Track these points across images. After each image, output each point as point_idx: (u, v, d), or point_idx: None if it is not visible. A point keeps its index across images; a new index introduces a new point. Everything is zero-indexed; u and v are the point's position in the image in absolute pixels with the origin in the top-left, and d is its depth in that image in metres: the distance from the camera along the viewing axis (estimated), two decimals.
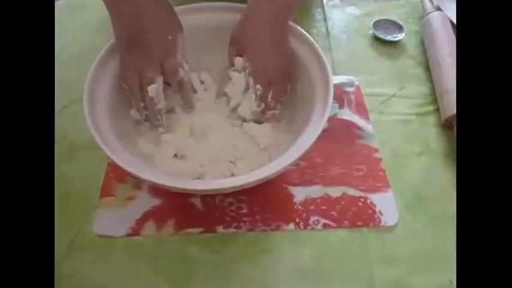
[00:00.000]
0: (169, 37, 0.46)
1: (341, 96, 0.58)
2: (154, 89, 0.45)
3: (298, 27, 0.50)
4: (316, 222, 0.46)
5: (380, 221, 0.46)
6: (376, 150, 0.52)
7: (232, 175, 0.45)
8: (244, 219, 0.46)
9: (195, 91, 0.51)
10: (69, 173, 0.49)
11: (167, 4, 0.47)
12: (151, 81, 0.45)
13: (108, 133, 0.42)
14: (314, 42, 0.48)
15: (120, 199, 0.47)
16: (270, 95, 0.47)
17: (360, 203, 0.47)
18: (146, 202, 0.47)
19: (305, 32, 0.49)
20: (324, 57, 0.46)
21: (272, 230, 0.45)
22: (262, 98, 0.47)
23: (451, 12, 0.66)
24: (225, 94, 0.51)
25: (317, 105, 0.44)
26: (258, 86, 0.47)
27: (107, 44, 0.47)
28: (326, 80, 0.45)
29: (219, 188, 0.40)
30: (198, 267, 0.43)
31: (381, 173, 0.50)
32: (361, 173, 0.50)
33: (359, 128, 0.55)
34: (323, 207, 0.47)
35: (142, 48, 0.45)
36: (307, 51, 0.49)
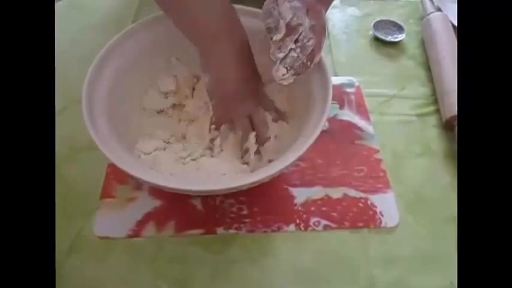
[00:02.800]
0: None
1: (341, 97, 0.58)
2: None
3: None
4: (316, 224, 0.46)
5: (381, 222, 0.46)
6: (377, 151, 0.52)
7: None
8: (245, 220, 0.46)
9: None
10: (69, 174, 0.49)
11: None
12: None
13: (108, 134, 0.42)
14: None
15: (120, 200, 0.47)
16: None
17: (361, 204, 0.47)
18: (146, 203, 0.46)
19: None
20: (324, 58, 0.46)
21: (273, 231, 0.45)
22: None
23: (451, 12, 0.66)
24: None
25: (316, 106, 0.44)
26: None
27: (106, 45, 0.47)
28: (325, 81, 0.45)
29: (218, 189, 0.39)
30: (199, 269, 0.42)
31: (381, 174, 0.50)
32: (361, 174, 0.50)
33: (359, 128, 0.55)
34: (323, 209, 0.47)
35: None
36: None
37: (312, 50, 0.42)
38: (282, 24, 0.41)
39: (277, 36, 0.41)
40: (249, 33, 0.50)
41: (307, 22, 0.41)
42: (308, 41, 0.41)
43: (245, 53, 0.45)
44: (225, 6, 0.44)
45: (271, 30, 0.42)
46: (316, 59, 0.43)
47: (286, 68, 0.42)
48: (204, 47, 0.45)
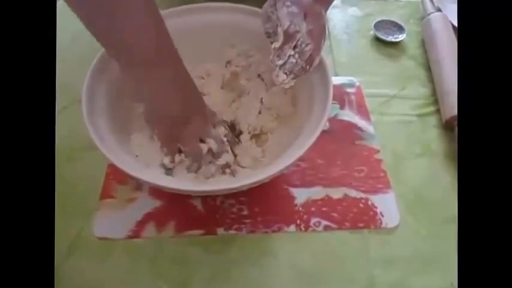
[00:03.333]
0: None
1: (342, 97, 0.58)
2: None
3: None
4: (317, 224, 0.46)
5: (381, 222, 0.46)
6: (377, 151, 0.52)
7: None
8: (245, 221, 0.45)
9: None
10: (69, 174, 0.49)
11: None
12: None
13: (108, 134, 0.42)
14: None
15: (120, 201, 0.46)
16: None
17: (361, 205, 0.47)
18: (146, 204, 0.46)
19: None
20: (324, 58, 0.46)
21: (273, 231, 0.45)
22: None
23: (451, 13, 0.66)
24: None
25: (316, 106, 0.44)
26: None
27: None
28: (326, 81, 0.45)
29: (218, 189, 0.39)
30: (199, 270, 0.42)
31: (381, 174, 0.50)
32: (362, 174, 0.50)
33: (360, 129, 0.55)
34: (324, 209, 0.47)
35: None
36: None
37: (311, 55, 0.42)
38: (280, 31, 0.41)
39: (275, 44, 0.42)
40: (250, 33, 0.50)
41: (304, 27, 0.42)
42: (306, 46, 0.42)
43: (180, 75, 0.42)
44: (159, 28, 0.40)
45: (270, 35, 0.43)
46: (315, 63, 0.43)
47: (286, 73, 0.42)
48: (135, 73, 0.41)
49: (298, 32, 0.41)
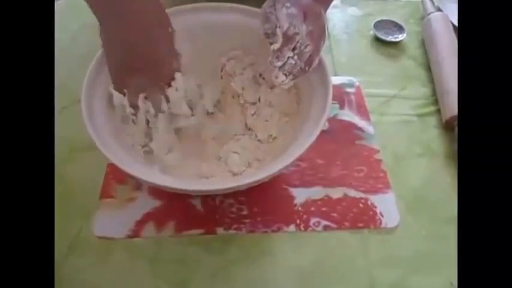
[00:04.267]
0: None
1: (341, 97, 0.58)
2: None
3: None
4: (316, 224, 0.46)
5: (381, 222, 0.46)
6: (377, 151, 0.52)
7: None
8: (245, 220, 0.45)
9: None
10: (69, 174, 0.49)
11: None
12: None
13: (107, 134, 0.42)
14: None
15: (120, 200, 0.46)
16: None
17: (361, 205, 0.47)
18: (146, 203, 0.46)
19: None
20: (324, 58, 0.46)
21: (273, 231, 0.45)
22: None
23: (451, 12, 0.66)
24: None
25: (316, 106, 0.44)
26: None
27: None
28: (325, 81, 0.45)
29: (217, 188, 0.39)
30: (198, 269, 0.42)
31: (381, 174, 0.50)
32: (361, 174, 0.50)
33: (360, 129, 0.55)
34: (323, 209, 0.47)
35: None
36: None
37: (310, 56, 0.43)
38: (279, 33, 0.41)
39: (275, 46, 0.42)
40: (249, 33, 0.50)
41: (303, 29, 0.42)
42: (305, 47, 0.42)
43: (149, 16, 0.41)
44: None
45: (268, 36, 0.43)
46: (314, 63, 0.44)
47: (285, 74, 0.42)
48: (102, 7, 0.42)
49: (297, 34, 0.41)
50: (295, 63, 0.42)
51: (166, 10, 0.49)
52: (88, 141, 0.39)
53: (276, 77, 0.42)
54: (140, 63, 0.42)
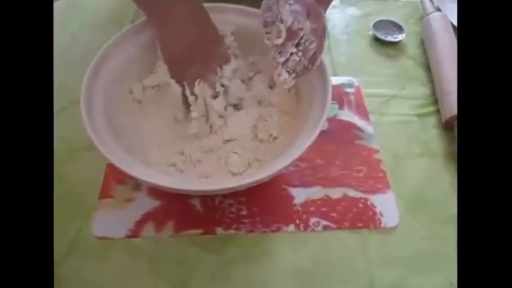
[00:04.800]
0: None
1: (341, 97, 0.58)
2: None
3: None
4: (316, 224, 0.46)
5: (380, 222, 0.46)
6: (376, 151, 0.52)
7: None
8: (244, 220, 0.45)
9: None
10: (68, 174, 0.49)
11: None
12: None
13: (106, 134, 0.42)
14: None
15: (119, 200, 0.46)
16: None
17: (360, 205, 0.47)
18: (145, 203, 0.46)
19: None
20: (323, 58, 0.46)
21: (272, 231, 0.45)
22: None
23: (451, 12, 0.66)
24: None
25: (315, 106, 0.44)
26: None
27: (105, 45, 0.47)
28: (324, 81, 0.45)
29: (217, 188, 0.39)
30: (198, 269, 0.42)
31: (381, 174, 0.50)
32: (361, 174, 0.50)
33: (359, 129, 0.54)
34: (323, 209, 0.47)
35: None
36: None
37: (314, 53, 0.42)
38: (283, 28, 0.41)
39: (278, 41, 0.42)
40: (249, 33, 0.50)
41: (308, 25, 0.41)
42: (310, 44, 0.42)
43: (195, 17, 0.46)
44: None
45: (267, 24, 0.43)
46: (318, 61, 0.43)
47: (288, 71, 0.42)
48: (156, 16, 0.46)
49: (301, 29, 0.41)
50: (300, 60, 0.42)
51: None
52: (87, 141, 0.39)
53: (279, 75, 0.42)
54: (195, 56, 0.47)
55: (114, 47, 0.47)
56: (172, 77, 0.48)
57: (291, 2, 0.41)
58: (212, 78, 0.47)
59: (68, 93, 0.52)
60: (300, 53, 0.42)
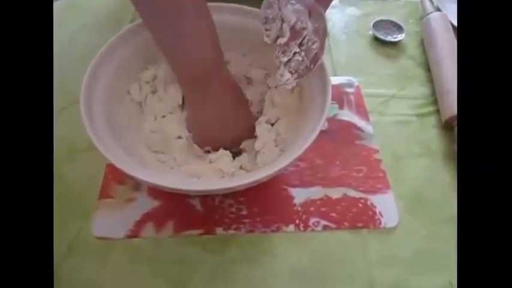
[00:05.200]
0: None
1: (341, 97, 0.58)
2: None
3: None
4: (316, 224, 0.46)
5: (380, 222, 0.46)
6: (376, 151, 0.52)
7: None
8: (244, 220, 0.45)
9: None
10: (68, 174, 0.49)
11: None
12: None
13: (106, 134, 0.42)
14: None
15: (119, 201, 0.46)
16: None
17: (360, 205, 0.47)
18: (145, 204, 0.46)
19: None
20: (323, 58, 0.46)
21: (272, 231, 0.45)
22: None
23: (450, 12, 0.66)
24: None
25: (315, 106, 0.44)
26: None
27: (104, 45, 0.47)
28: (324, 81, 0.45)
29: (216, 188, 0.39)
30: (198, 269, 0.42)
31: (381, 174, 0.50)
32: (361, 174, 0.50)
33: (359, 128, 0.55)
34: (323, 209, 0.47)
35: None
36: None
37: (316, 53, 0.42)
38: (286, 27, 0.41)
39: (281, 40, 0.41)
40: (249, 34, 0.50)
41: (310, 25, 0.41)
42: (313, 44, 0.41)
43: (230, 93, 0.46)
44: (215, 47, 0.43)
45: (267, 21, 0.42)
46: (319, 62, 0.43)
47: (291, 71, 0.42)
48: (192, 86, 0.45)
49: (304, 29, 0.41)
50: (302, 60, 0.42)
51: None
52: (87, 142, 0.39)
53: (281, 75, 0.42)
54: (225, 140, 0.47)
55: (114, 47, 0.47)
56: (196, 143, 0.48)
57: (293, 1, 0.41)
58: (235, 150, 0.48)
59: (68, 93, 0.52)
60: (302, 53, 0.41)
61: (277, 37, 0.42)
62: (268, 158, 0.44)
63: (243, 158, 0.46)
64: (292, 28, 0.40)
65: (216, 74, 0.44)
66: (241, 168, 0.46)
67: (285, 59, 0.41)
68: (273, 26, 0.42)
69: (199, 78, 0.43)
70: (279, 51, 0.41)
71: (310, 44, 0.41)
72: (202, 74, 0.43)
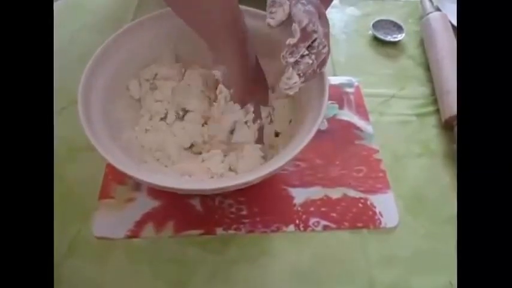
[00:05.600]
0: None
1: (341, 97, 0.58)
2: None
3: None
4: (316, 224, 0.46)
5: (380, 222, 0.46)
6: (376, 151, 0.52)
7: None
8: (244, 220, 0.45)
9: None
10: (68, 174, 0.49)
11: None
12: None
13: (105, 134, 0.42)
14: None
15: (119, 201, 0.46)
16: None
17: (360, 205, 0.47)
18: (145, 204, 0.46)
19: None
20: None
21: (272, 231, 0.45)
22: None
23: (450, 12, 0.66)
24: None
25: (312, 106, 0.44)
26: None
27: (103, 44, 0.47)
28: (322, 81, 0.45)
29: (214, 188, 0.39)
30: (198, 269, 0.42)
31: (381, 174, 0.50)
32: (361, 174, 0.50)
33: (359, 128, 0.55)
34: (323, 209, 0.47)
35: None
36: None
37: (324, 58, 0.41)
38: (297, 28, 0.40)
39: (291, 41, 0.40)
40: (254, 35, 0.50)
41: (321, 29, 0.40)
42: (323, 48, 0.40)
43: (248, 45, 0.47)
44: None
45: (274, 4, 0.41)
46: (326, 66, 0.42)
47: (299, 74, 0.40)
48: (214, 41, 0.46)
49: (315, 32, 0.40)
50: (312, 63, 0.40)
51: (167, 11, 0.49)
52: (87, 142, 0.39)
53: (289, 78, 0.40)
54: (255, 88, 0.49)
55: (113, 46, 0.47)
56: (239, 101, 0.48)
57: (304, 2, 0.40)
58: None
59: (68, 93, 0.52)
60: (313, 56, 0.40)
61: (281, 22, 0.40)
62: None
63: (231, 158, 0.46)
64: (303, 29, 0.39)
65: (242, 31, 0.46)
66: (230, 169, 0.45)
67: (292, 60, 0.40)
68: (279, 10, 0.41)
69: (234, 35, 0.45)
70: (286, 52, 0.40)
71: (321, 47, 0.40)
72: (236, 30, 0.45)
